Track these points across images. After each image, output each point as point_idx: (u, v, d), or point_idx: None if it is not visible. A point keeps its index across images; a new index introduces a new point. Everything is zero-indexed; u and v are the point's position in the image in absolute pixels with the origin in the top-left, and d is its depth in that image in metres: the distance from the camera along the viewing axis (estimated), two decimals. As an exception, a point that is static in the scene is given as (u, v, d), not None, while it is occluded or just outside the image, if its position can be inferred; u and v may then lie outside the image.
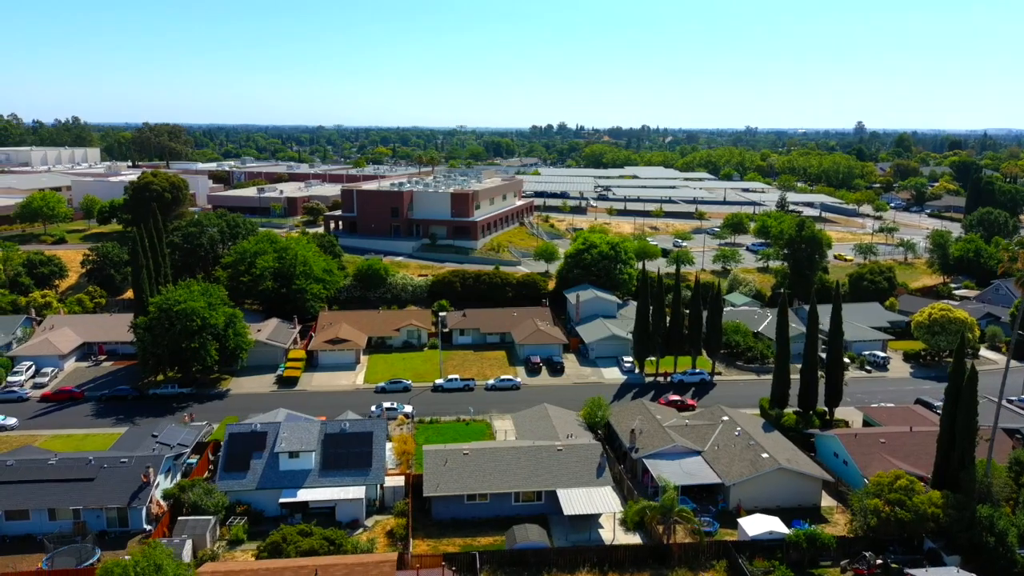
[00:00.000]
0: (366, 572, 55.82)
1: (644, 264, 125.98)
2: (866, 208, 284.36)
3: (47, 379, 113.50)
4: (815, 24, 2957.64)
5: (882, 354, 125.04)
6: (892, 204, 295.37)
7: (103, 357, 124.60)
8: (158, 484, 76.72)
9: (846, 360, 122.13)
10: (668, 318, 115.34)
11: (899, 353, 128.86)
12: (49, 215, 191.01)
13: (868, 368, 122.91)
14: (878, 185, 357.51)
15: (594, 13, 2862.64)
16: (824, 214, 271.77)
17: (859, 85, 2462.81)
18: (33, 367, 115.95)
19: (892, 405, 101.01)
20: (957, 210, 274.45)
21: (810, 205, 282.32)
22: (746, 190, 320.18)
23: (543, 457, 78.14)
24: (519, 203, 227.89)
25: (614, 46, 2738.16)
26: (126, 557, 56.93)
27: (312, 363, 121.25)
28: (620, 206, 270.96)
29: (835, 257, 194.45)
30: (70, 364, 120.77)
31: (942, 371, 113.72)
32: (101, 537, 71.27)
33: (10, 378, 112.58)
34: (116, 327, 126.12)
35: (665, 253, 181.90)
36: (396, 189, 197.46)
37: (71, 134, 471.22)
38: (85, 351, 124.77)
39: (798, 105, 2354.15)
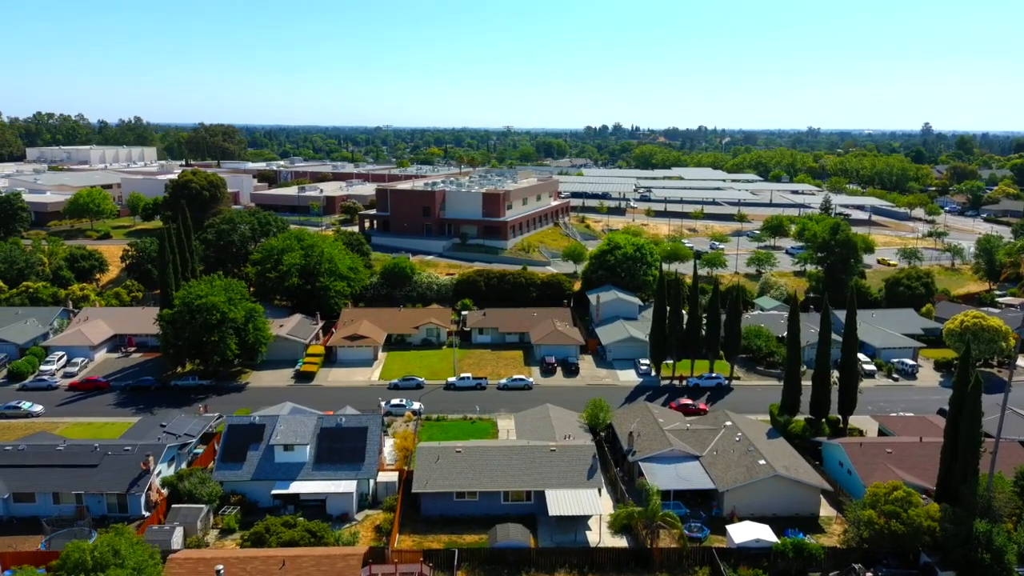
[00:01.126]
0: (332, 564, 56.43)
1: (661, 265, 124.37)
2: (918, 212, 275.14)
3: (77, 369, 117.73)
4: (883, 23, 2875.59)
5: (911, 362, 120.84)
6: (946, 208, 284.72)
7: (132, 349, 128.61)
8: (159, 472, 78.91)
9: (873, 367, 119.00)
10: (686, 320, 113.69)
11: (931, 361, 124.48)
12: (95, 211, 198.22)
13: (895, 376, 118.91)
14: (933, 188, 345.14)
15: (655, 12, 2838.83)
16: (874, 217, 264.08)
17: (930, 86, 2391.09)
18: (65, 357, 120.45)
19: (911, 414, 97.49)
20: (1015, 215, 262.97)
21: (860, 208, 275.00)
22: (795, 192, 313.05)
23: (535, 457, 77.77)
24: (554, 203, 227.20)
25: (672, 45, 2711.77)
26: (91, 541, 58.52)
27: (331, 359, 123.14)
28: (660, 207, 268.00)
29: (878, 262, 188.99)
30: (100, 355, 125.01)
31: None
32: (102, 521, 73.50)
33: (42, 367, 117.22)
34: (146, 320, 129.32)
35: (699, 255, 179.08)
36: (429, 189, 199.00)
37: (134, 134, 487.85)
38: (116, 343, 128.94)
39: (865, 106, 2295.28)
